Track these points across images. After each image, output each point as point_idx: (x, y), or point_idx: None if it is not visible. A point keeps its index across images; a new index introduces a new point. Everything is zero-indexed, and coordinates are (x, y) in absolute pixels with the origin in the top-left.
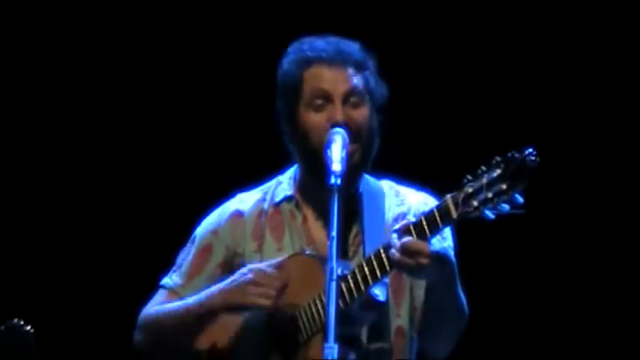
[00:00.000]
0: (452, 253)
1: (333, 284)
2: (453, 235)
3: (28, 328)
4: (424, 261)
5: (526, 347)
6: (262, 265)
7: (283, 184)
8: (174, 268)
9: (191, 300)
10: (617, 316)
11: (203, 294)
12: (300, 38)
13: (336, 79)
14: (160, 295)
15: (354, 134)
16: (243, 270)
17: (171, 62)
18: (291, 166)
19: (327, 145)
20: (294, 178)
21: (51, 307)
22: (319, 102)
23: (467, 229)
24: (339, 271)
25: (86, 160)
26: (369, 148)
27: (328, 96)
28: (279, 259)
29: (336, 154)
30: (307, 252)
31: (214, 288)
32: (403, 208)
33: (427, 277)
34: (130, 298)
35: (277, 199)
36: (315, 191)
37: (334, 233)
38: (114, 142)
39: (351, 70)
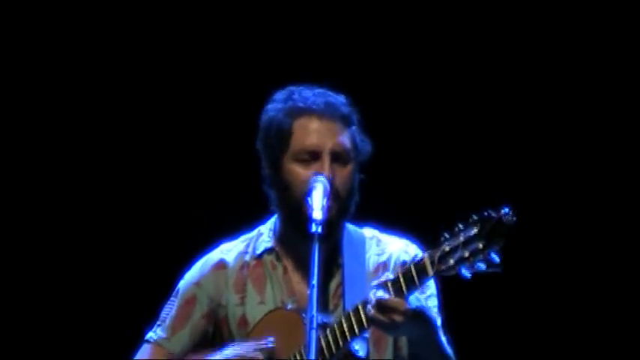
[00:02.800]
0: (434, 305)
1: (314, 333)
2: (438, 286)
3: None
4: (399, 318)
5: None
6: (246, 350)
7: (264, 235)
8: (158, 322)
9: None
10: None
11: None
12: (284, 87)
13: (325, 134)
14: (145, 349)
15: (335, 192)
16: (227, 351)
17: (150, 122)
18: (272, 215)
19: (308, 192)
20: (274, 229)
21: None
22: (307, 157)
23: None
24: (319, 320)
25: (66, 217)
26: (347, 206)
27: (317, 151)
28: (265, 342)
29: (317, 202)
30: (288, 306)
31: None
32: (383, 258)
33: (403, 334)
34: (112, 354)
35: (258, 252)
36: (295, 242)
37: (314, 281)
38: (96, 196)
39: (339, 125)
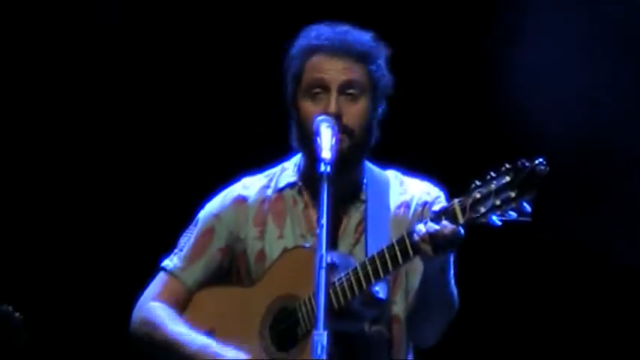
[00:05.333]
0: None
1: (323, 272)
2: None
3: (17, 314)
4: (449, 245)
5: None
6: None
7: (288, 170)
8: (175, 250)
9: (186, 335)
10: None
11: (199, 340)
12: (314, 24)
13: (335, 70)
14: (160, 278)
15: (347, 126)
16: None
17: (175, 48)
18: (297, 152)
19: (316, 132)
20: (299, 165)
21: (41, 294)
22: (316, 91)
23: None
24: (329, 259)
25: (88, 146)
26: (363, 141)
27: (325, 86)
28: None
29: (326, 141)
30: (307, 245)
31: (212, 343)
32: (406, 197)
33: (437, 263)
34: (123, 286)
35: (281, 186)
36: (315, 178)
37: (324, 221)
38: (120, 129)
39: (352, 61)
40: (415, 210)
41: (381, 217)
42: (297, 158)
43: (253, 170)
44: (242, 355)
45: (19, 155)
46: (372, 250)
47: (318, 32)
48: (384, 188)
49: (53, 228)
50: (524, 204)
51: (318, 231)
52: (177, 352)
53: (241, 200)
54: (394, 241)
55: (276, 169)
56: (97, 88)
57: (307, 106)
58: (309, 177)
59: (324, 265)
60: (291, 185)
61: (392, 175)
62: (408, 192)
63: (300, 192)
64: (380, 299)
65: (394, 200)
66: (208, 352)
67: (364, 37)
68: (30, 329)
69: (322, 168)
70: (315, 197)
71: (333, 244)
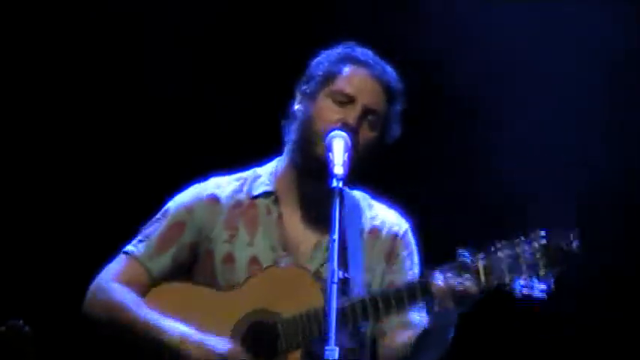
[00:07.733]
0: None
1: (334, 287)
2: None
3: (27, 328)
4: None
5: None
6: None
7: (262, 178)
8: (140, 237)
9: (148, 315)
10: None
11: (177, 327)
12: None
13: (368, 89)
14: (122, 261)
15: (356, 145)
16: (218, 343)
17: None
18: (270, 160)
19: (329, 147)
20: (275, 174)
21: (49, 307)
22: (342, 99)
23: None
24: (341, 274)
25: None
26: (361, 164)
27: (353, 99)
28: None
29: (338, 156)
30: (282, 264)
31: (177, 326)
32: (376, 222)
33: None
34: None
35: (255, 193)
36: (296, 186)
37: (335, 236)
38: (93, 126)
39: (383, 90)
40: (385, 238)
41: (354, 237)
42: (272, 166)
43: (220, 170)
44: (226, 345)
45: (17, 163)
46: (342, 269)
47: (363, 51)
48: (355, 209)
49: (64, 239)
50: (547, 278)
51: (301, 239)
52: (148, 337)
53: (215, 200)
54: (405, 287)
55: (248, 174)
56: (84, 88)
57: (328, 104)
58: (287, 184)
59: (335, 280)
60: (266, 194)
61: (360, 197)
62: (378, 218)
63: (275, 201)
64: (361, 332)
65: (365, 223)
66: (191, 341)
67: (395, 75)
68: (40, 343)
69: (335, 183)
70: (293, 207)
71: (304, 261)
